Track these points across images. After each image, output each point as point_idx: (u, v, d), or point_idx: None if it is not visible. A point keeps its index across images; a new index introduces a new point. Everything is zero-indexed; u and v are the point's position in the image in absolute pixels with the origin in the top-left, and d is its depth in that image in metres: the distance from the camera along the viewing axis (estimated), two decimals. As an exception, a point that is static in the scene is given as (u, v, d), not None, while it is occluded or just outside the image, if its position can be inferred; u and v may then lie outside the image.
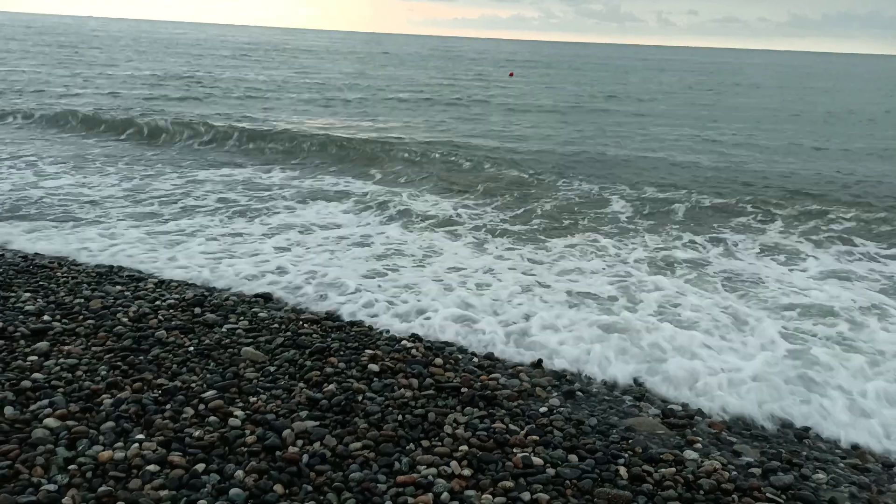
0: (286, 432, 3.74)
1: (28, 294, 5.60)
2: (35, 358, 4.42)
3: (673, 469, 3.78)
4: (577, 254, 7.89)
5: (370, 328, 5.56)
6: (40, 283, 5.95)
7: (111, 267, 6.72)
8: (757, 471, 3.89)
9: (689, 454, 4.00)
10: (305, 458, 3.55)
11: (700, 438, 4.25)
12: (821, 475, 3.93)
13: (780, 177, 13.10)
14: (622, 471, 3.70)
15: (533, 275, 7.06)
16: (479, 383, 4.65)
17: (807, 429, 4.47)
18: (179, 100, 21.63)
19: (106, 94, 21.76)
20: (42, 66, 30.59)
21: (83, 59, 36.19)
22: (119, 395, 4.02)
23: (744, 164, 14.37)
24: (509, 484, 3.48)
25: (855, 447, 4.30)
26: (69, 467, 3.33)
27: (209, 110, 19.36)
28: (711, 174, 13.09)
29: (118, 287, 6.03)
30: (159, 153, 13.74)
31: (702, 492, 3.60)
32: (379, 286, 6.48)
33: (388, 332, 5.53)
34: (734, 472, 3.83)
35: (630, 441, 4.09)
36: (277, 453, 3.58)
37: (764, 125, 21.67)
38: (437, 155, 13.26)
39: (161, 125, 15.90)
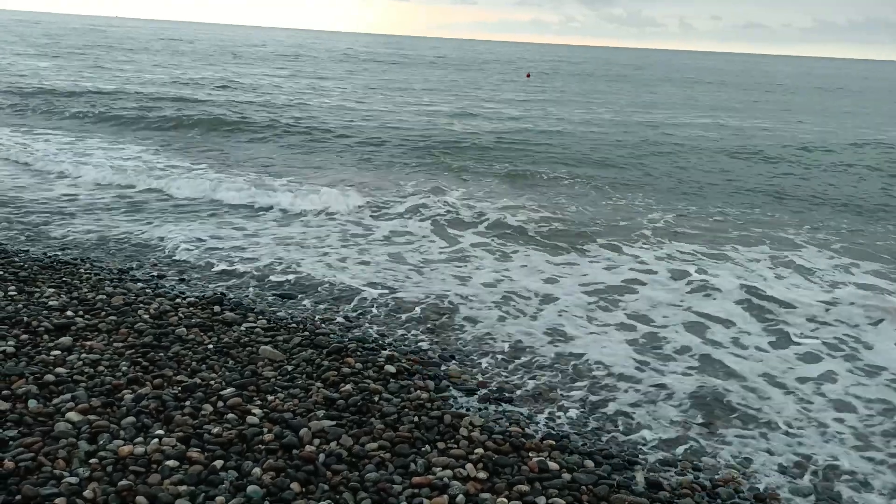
0: (303, 431, 3.77)
1: (52, 290, 5.69)
2: (58, 352, 4.49)
3: (690, 477, 3.76)
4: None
5: (388, 328, 5.58)
6: (64, 279, 6.04)
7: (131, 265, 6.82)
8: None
9: (707, 461, 3.97)
10: (322, 457, 3.57)
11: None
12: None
13: None
14: (639, 477, 3.69)
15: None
16: (495, 385, 4.65)
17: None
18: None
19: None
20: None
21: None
22: (140, 391, 4.08)
23: None
24: (525, 488, 3.47)
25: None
26: (90, 461, 3.38)
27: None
28: None
29: (140, 284, 6.11)
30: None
31: (719, 500, 3.57)
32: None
33: (405, 332, 5.54)
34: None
35: (647, 446, 4.06)
36: (294, 452, 3.60)
37: None
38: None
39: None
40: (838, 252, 8.60)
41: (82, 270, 6.37)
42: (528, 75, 44.21)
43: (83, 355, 4.49)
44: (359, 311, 5.92)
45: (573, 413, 4.44)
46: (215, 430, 3.72)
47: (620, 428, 4.31)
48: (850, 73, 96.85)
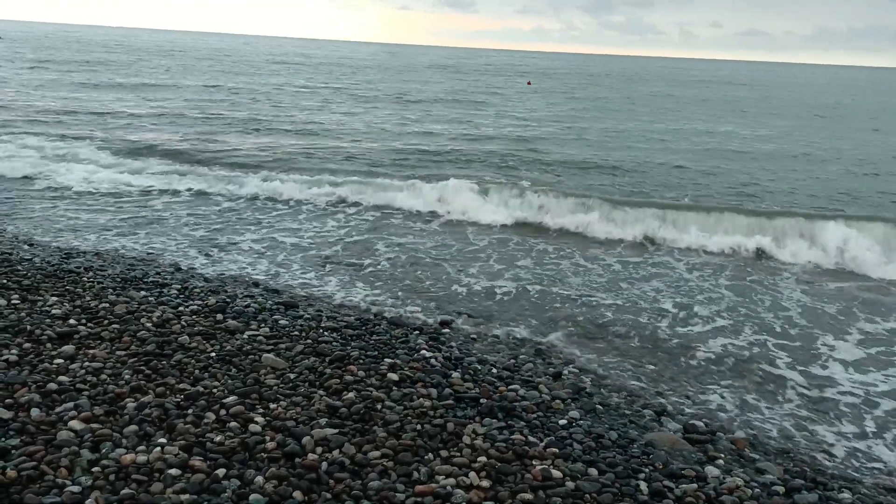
0: (306, 439, 3.75)
1: (55, 298, 5.70)
2: (61, 361, 4.49)
3: (695, 485, 3.74)
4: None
5: (391, 337, 5.57)
6: (67, 287, 6.05)
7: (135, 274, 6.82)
8: (780, 489, 3.83)
9: (711, 471, 3.95)
10: (325, 465, 3.56)
11: (722, 455, 4.20)
12: (846, 495, 3.86)
13: None
14: (643, 486, 3.67)
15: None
16: (497, 394, 4.64)
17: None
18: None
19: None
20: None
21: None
22: (142, 399, 4.07)
23: None
24: (528, 496, 3.45)
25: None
26: (93, 469, 3.37)
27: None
28: None
29: (142, 292, 6.11)
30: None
31: (724, 509, 3.55)
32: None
33: (407, 341, 5.53)
34: (757, 490, 3.78)
35: (651, 456, 4.05)
36: (297, 460, 3.59)
37: None
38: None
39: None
40: None
41: (85, 279, 6.38)
42: (529, 83, 44.30)
43: (86, 364, 4.49)
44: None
45: (577, 421, 4.41)
46: (218, 439, 3.71)
47: (624, 436, 4.29)
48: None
